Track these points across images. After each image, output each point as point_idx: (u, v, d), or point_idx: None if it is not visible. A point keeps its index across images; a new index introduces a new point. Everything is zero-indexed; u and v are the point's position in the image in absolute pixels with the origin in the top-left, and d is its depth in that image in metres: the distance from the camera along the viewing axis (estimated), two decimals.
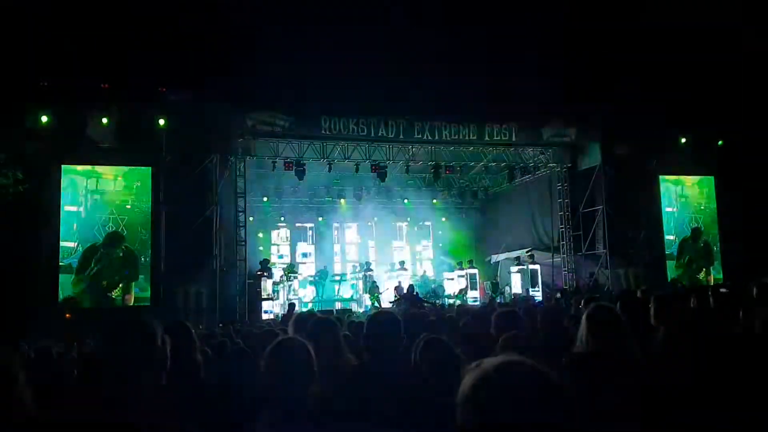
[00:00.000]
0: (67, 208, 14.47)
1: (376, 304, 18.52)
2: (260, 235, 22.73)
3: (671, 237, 18.71)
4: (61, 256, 14.20)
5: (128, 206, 15.01)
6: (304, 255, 23.90)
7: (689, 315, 5.11)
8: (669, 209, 18.87)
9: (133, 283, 14.80)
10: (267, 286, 18.14)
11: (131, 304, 14.63)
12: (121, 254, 14.66)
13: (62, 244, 14.24)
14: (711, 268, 18.80)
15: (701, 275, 18.61)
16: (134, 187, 15.14)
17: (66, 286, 14.15)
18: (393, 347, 3.06)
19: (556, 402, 1.21)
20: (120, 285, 14.64)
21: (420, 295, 18.60)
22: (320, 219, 24.10)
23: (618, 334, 3.09)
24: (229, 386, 3.25)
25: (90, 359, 4.11)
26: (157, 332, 2.67)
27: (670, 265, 18.38)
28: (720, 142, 18.68)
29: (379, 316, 3.40)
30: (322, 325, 3.37)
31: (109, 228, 14.72)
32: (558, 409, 1.20)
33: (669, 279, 17.74)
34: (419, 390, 2.78)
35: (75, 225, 14.53)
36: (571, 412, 1.21)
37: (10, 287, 12.50)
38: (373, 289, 19.37)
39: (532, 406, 1.19)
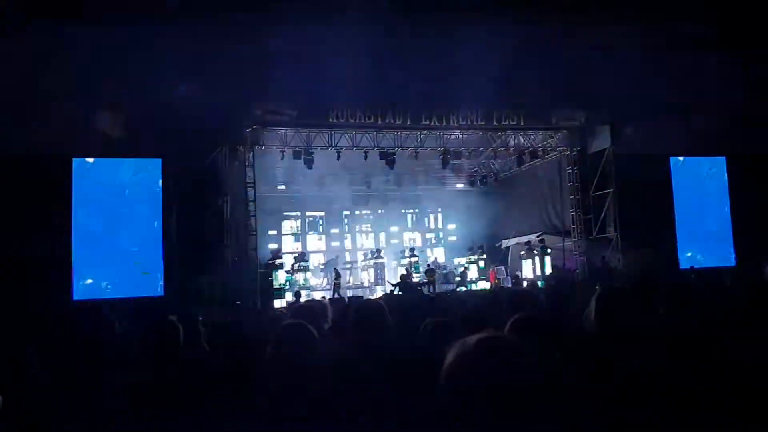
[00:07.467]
0: (78, 200, 14.57)
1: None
2: (270, 224, 22.84)
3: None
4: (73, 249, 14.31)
5: (139, 198, 15.12)
6: (314, 243, 24.01)
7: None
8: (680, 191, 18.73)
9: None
10: (279, 275, 18.27)
11: None
12: None
13: (74, 236, 14.35)
14: None
15: None
16: (145, 178, 15.22)
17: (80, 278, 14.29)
18: (379, 334, 3.11)
19: (533, 377, 1.22)
20: None
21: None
22: (330, 207, 24.17)
23: (626, 317, 3.07)
24: (236, 372, 3.30)
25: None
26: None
27: (681, 247, 18.27)
28: (731, 123, 18.46)
29: (362, 306, 3.46)
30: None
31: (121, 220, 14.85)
32: (535, 383, 1.21)
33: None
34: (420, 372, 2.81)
35: (86, 216, 14.65)
36: (552, 387, 1.22)
37: (25, 283, 12.58)
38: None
39: (508, 380, 1.20)
